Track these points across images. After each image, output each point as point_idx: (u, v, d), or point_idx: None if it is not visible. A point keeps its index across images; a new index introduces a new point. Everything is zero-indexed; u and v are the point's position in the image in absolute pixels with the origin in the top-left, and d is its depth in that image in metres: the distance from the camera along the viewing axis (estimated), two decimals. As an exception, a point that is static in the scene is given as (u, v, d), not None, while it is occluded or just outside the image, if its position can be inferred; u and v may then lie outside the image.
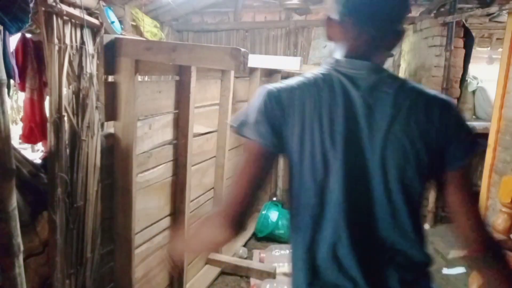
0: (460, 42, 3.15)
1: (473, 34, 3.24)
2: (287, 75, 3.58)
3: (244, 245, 2.82)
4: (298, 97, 0.72)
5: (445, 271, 2.60)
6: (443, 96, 0.75)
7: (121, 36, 1.57)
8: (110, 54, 1.50)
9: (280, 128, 0.72)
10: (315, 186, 0.71)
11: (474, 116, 3.81)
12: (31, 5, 1.13)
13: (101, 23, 1.50)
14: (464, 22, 3.09)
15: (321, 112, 0.70)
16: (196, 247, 0.86)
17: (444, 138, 0.71)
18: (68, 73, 1.34)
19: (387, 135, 0.69)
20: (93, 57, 1.44)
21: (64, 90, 1.33)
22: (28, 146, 3.42)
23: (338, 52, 0.76)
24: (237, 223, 0.72)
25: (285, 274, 2.41)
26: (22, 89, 2.20)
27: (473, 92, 3.76)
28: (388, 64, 3.58)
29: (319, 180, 0.71)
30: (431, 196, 3.27)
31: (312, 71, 0.76)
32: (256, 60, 2.67)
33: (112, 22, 1.58)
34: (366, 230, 0.71)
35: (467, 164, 0.76)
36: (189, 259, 2.19)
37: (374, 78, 0.72)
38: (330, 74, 0.73)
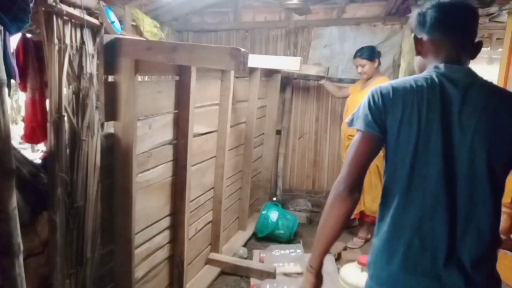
0: (460, 42, 3.15)
1: (473, 34, 3.24)
2: (287, 75, 3.59)
3: (244, 245, 2.82)
4: (400, 92, 0.91)
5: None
6: None
7: (121, 36, 1.57)
8: (110, 54, 1.51)
9: (383, 119, 0.92)
10: (409, 164, 0.89)
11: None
12: (31, 5, 1.13)
13: (101, 23, 1.50)
14: (464, 22, 3.09)
15: (420, 104, 0.88)
16: (331, 223, 0.98)
17: None
18: (68, 73, 1.34)
19: (477, 125, 0.86)
20: (93, 57, 1.44)
21: (64, 90, 1.33)
22: (28, 146, 3.43)
23: (432, 62, 0.97)
24: (356, 187, 0.94)
25: (285, 274, 2.42)
26: (23, 89, 2.20)
27: (473, 92, 3.75)
28: (388, 64, 3.60)
29: (414, 157, 0.89)
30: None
31: (416, 75, 0.96)
32: (256, 60, 2.67)
33: (112, 22, 1.58)
34: (452, 202, 0.88)
35: None
36: (189, 259, 2.20)
37: (470, 80, 0.92)
38: (431, 76, 0.92)
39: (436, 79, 0.91)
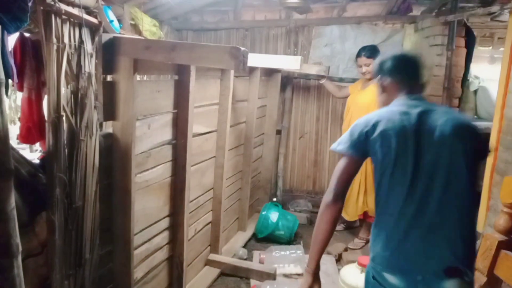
0: (462, 41, 3.14)
1: (475, 33, 3.23)
2: (287, 74, 3.58)
3: (244, 246, 2.81)
4: (375, 122, 1.16)
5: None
6: (465, 118, 1.21)
7: (120, 35, 1.56)
8: (109, 53, 1.50)
9: (364, 144, 1.17)
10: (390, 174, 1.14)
11: (475, 116, 3.80)
12: (30, 4, 1.12)
13: (100, 22, 1.49)
14: (466, 21, 3.08)
15: (393, 129, 1.13)
16: (322, 235, 1.21)
17: (472, 144, 1.11)
18: (66, 73, 1.33)
19: (439, 141, 1.10)
20: (91, 56, 1.43)
21: (63, 90, 1.32)
22: (26, 146, 3.41)
23: (395, 96, 1.27)
24: (339, 198, 1.20)
25: (285, 275, 2.41)
26: (20, 88, 2.19)
27: (475, 91, 3.75)
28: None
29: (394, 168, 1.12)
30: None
31: (389, 107, 1.26)
32: (256, 59, 2.66)
33: (111, 21, 1.57)
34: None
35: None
36: (188, 260, 2.19)
37: (429, 106, 1.19)
38: (401, 107, 1.19)
39: (406, 109, 1.17)
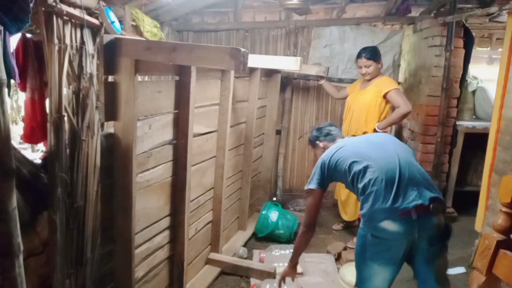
0: (460, 42, 3.15)
1: (473, 34, 3.24)
2: (287, 75, 3.59)
3: (244, 245, 2.82)
4: (335, 154, 1.68)
5: (445, 271, 2.60)
6: None
7: (121, 36, 1.57)
8: (110, 54, 1.51)
9: (329, 176, 1.71)
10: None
11: (474, 116, 3.80)
12: (31, 5, 1.13)
13: (101, 23, 1.50)
14: (464, 22, 3.09)
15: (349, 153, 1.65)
16: (299, 248, 1.86)
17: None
18: (68, 73, 1.34)
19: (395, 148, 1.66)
20: (93, 57, 1.44)
21: (64, 90, 1.33)
22: (28, 146, 3.42)
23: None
24: (311, 227, 1.80)
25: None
26: (23, 89, 2.20)
27: (473, 92, 3.76)
28: (388, 64, 3.60)
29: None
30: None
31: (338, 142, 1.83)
32: (256, 60, 2.67)
33: (112, 22, 1.58)
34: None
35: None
36: (189, 259, 2.19)
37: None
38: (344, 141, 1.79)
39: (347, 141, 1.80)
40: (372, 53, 2.78)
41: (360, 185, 1.54)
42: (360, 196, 1.57)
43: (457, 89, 3.25)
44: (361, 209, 1.55)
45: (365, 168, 1.54)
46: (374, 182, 1.50)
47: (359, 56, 2.83)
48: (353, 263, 1.96)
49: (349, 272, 1.98)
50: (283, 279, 1.94)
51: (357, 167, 1.56)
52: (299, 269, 2.42)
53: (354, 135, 2.81)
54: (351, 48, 3.56)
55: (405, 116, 2.78)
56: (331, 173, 1.68)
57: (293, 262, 1.91)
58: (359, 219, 2.96)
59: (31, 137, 2.24)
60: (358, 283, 1.63)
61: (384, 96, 2.75)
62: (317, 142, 1.98)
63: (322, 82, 3.32)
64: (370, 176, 1.51)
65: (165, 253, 1.99)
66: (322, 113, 3.77)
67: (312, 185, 1.70)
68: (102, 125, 1.56)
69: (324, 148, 1.93)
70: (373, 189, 1.49)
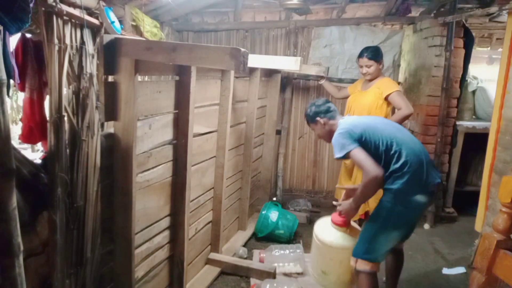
0: (460, 42, 3.15)
1: (473, 34, 3.24)
2: (287, 75, 3.59)
3: (244, 245, 2.82)
4: (359, 128, 1.83)
5: (445, 271, 2.60)
6: None
7: (121, 36, 1.57)
8: (110, 54, 1.50)
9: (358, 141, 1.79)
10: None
11: (474, 116, 3.80)
12: (31, 5, 1.13)
13: (101, 23, 1.50)
14: (464, 22, 3.09)
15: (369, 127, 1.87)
16: (375, 190, 1.79)
17: None
18: (68, 73, 1.34)
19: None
20: (93, 57, 1.44)
21: (64, 90, 1.33)
22: (28, 146, 3.43)
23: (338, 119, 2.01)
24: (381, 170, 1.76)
25: (285, 274, 2.42)
26: (22, 89, 2.20)
27: (473, 92, 3.76)
28: (388, 64, 3.60)
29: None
30: (431, 196, 3.27)
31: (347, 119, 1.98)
32: (256, 60, 2.67)
33: (112, 22, 1.58)
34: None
35: None
36: (189, 259, 2.19)
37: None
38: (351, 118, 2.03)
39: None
40: (374, 53, 2.78)
41: (397, 165, 1.75)
42: (392, 173, 1.76)
43: (457, 89, 3.25)
44: (393, 184, 1.75)
45: (400, 150, 1.77)
46: (410, 164, 1.75)
47: (360, 55, 2.82)
48: (326, 220, 2.04)
49: (323, 229, 2.00)
50: (346, 215, 1.90)
51: (393, 148, 1.77)
52: (299, 268, 2.42)
53: None
54: (351, 48, 3.56)
55: (406, 118, 2.78)
56: (358, 141, 1.77)
57: (359, 204, 1.86)
58: (360, 219, 2.98)
59: (29, 137, 2.24)
60: (367, 253, 1.79)
61: (386, 98, 2.75)
62: (318, 118, 1.97)
63: (322, 82, 3.32)
64: (406, 158, 1.75)
65: (165, 253, 1.99)
66: (322, 113, 3.77)
67: (348, 147, 1.74)
68: (102, 125, 1.56)
69: (325, 125, 1.96)
70: (410, 169, 1.74)
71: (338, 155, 1.78)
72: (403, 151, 1.76)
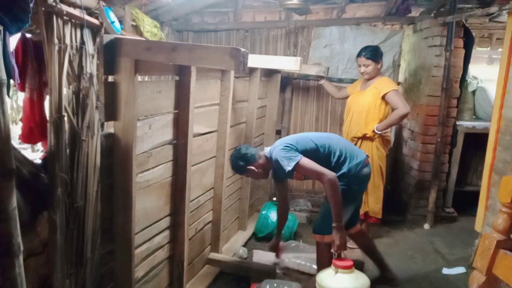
0: (460, 42, 3.15)
1: (473, 34, 3.24)
2: (287, 75, 3.59)
3: (244, 245, 2.82)
4: (294, 144, 2.01)
5: (445, 271, 2.60)
6: None
7: (121, 36, 1.58)
8: (110, 54, 1.50)
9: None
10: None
11: (474, 116, 3.80)
12: (31, 5, 1.13)
13: (101, 23, 1.50)
14: (464, 22, 3.09)
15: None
16: (340, 195, 1.93)
17: None
18: (68, 73, 1.34)
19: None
20: (93, 57, 1.44)
21: (64, 90, 1.33)
22: (28, 146, 3.42)
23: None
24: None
25: (285, 274, 2.42)
26: (22, 89, 2.20)
27: (473, 92, 3.76)
28: (388, 64, 3.60)
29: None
30: (431, 196, 3.27)
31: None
32: (256, 60, 2.67)
33: (112, 22, 1.58)
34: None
35: None
36: (189, 259, 2.19)
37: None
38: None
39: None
40: (372, 53, 2.78)
41: (335, 158, 2.04)
42: (335, 164, 2.04)
43: (457, 89, 3.25)
44: (341, 169, 2.02)
45: (330, 145, 2.06)
46: (341, 152, 2.06)
47: (359, 54, 2.83)
48: (329, 267, 1.95)
49: (325, 275, 1.94)
50: (341, 241, 1.93)
51: (325, 146, 2.05)
52: (314, 271, 2.40)
53: (354, 137, 2.82)
54: (351, 48, 3.56)
55: (403, 117, 2.78)
56: (299, 152, 1.98)
57: (340, 218, 1.94)
58: (360, 219, 2.98)
59: (29, 137, 2.24)
60: (320, 229, 2.09)
61: (383, 97, 2.75)
62: (250, 167, 2.04)
63: (322, 81, 3.32)
64: (339, 149, 2.07)
65: (165, 253, 1.99)
66: (322, 113, 3.77)
67: (296, 158, 1.91)
68: (102, 125, 1.56)
69: (258, 166, 2.06)
70: (346, 156, 2.06)
71: (288, 167, 1.90)
72: (332, 145, 2.06)
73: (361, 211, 2.81)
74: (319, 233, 2.09)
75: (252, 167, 2.04)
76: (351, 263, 1.87)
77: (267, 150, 2.09)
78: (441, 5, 3.20)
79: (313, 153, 2.00)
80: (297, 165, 1.89)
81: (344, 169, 2.03)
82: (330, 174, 1.90)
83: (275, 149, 2.00)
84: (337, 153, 2.05)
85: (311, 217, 3.35)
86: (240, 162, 2.05)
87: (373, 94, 2.79)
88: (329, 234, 1.99)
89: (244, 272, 2.41)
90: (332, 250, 1.95)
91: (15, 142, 3.22)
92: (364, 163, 2.09)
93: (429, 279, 2.51)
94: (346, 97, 3.13)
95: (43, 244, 1.39)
